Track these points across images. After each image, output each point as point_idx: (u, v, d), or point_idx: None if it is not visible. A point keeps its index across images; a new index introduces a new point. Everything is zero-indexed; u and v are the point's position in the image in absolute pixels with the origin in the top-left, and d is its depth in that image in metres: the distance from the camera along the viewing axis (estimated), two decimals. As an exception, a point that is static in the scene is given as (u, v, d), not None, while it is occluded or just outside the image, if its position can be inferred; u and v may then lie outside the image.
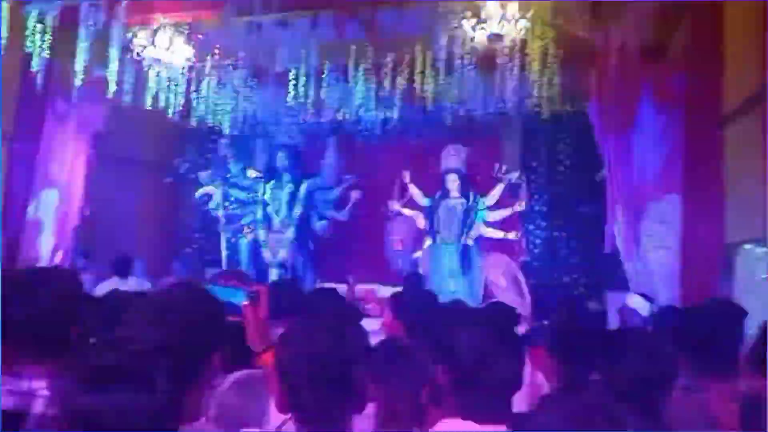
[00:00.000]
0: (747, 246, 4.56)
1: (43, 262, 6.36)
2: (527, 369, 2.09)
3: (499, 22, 4.79)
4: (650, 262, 5.29)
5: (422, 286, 5.29)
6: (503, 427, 1.37)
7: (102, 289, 4.78)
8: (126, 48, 5.91)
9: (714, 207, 4.87)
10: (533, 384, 2.15)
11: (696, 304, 2.87)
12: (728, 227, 4.76)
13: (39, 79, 5.81)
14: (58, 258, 6.61)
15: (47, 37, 5.48)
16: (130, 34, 5.84)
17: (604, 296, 6.28)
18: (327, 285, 7.52)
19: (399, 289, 4.17)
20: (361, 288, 7.49)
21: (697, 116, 5.11)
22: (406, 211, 7.63)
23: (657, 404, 1.45)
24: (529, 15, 4.62)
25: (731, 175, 4.71)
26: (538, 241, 7.56)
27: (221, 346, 1.29)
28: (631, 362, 1.43)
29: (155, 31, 5.77)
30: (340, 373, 1.25)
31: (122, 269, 5.56)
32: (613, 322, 4.36)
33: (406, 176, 7.62)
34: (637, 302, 4.19)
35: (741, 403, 1.49)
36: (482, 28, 4.84)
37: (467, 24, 4.90)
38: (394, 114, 6.90)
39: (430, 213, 7.47)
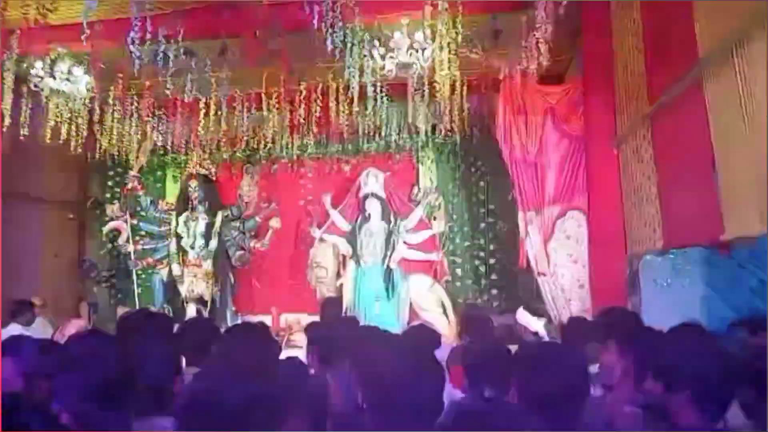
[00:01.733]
0: (648, 256, 4.85)
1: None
2: (447, 388, 2.12)
3: (407, 51, 4.92)
4: (560, 276, 5.53)
5: (340, 310, 5.26)
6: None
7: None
8: (23, 79, 5.59)
9: (615, 221, 5.17)
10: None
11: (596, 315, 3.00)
12: (630, 240, 5.06)
13: None
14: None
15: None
16: (25, 65, 5.53)
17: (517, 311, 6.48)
18: (249, 317, 7.39)
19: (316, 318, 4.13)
20: (285, 318, 7.38)
21: (594, 136, 5.44)
22: (328, 237, 7.60)
23: (567, 413, 1.48)
24: (434, 44, 4.78)
25: (628, 192, 5.02)
26: (458, 261, 7.72)
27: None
28: (537, 376, 1.47)
29: (53, 61, 5.50)
30: (257, 406, 1.21)
31: (22, 314, 5.14)
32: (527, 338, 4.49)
33: (327, 201, 7.61)
34: (522, 317, 4.34)
35: (641, 407, 1.57)
36: (391, 57, 4.95)
37: (377, 53, 5.00)
38: (311, 140, 6.90)
39: (352, 238, 7.48)
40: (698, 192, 3.60)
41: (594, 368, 1.97)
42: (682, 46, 3.67)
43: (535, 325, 4.32)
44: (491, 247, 7.61)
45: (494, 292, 7.53)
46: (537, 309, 4.68)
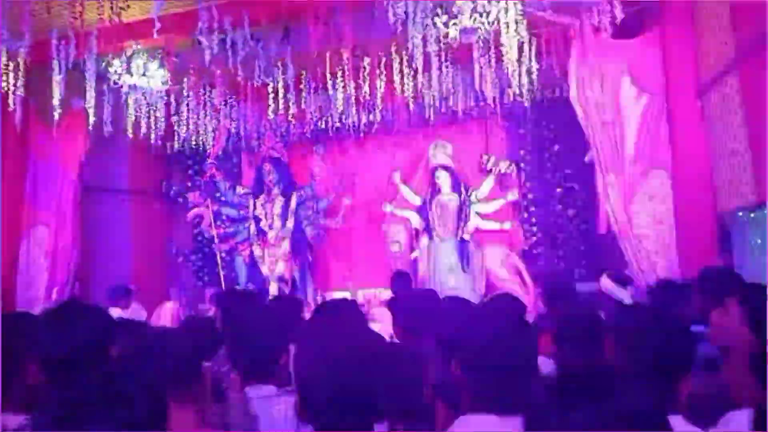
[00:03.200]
0: (740, 213, 4.58)
1: (40, 301, 6.32)
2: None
3: (471, 16, 4.80)
4: (645, 239, 5.31)
5: (410, 283, 5.29)
6: (518, 417, 1.37)
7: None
8: (102, 77, 5.88)
9: (702, 178, 4.90)
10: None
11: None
12: (719, 196, 4.79)
13: (17, 118, 5.77)
14: (55, 295, 6.55)
15: (21, 74, 5.43)
16: (104, 63, 5.81)
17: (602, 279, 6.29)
18: (328, 294, 7.58)
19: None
20: (363, 293, 7.51)
21: (676, 91, 5.15)
22: (400, 212, 7.63)
23: (669, 385, 1.43)
24: (499, 6, 4.63)
25: (716, 144, 4.74)
26: (534, 229, 7.56)
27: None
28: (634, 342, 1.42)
29: (129, 58, 5.75)
30: (356, 382, 1.23)
31: (120, 299, 5.51)
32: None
33: (396, 177, 7.63)
34: (606, 285, 4.18)
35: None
36: (454, 24, 4.84)
37: (439, 21, 4.90)
38: (377, 116, 6.90)
39: (423, 212, 7.47)
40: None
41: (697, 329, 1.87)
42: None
43: (620, 293, 4.17)
44: (569, 212, 7.39)
45: (574, 259, 7.34)
46: (621, 276, 4.51)
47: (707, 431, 1.38)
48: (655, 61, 5.30)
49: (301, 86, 6.48)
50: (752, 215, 4.46)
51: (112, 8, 4.95)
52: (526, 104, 6.57)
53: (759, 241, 4.47)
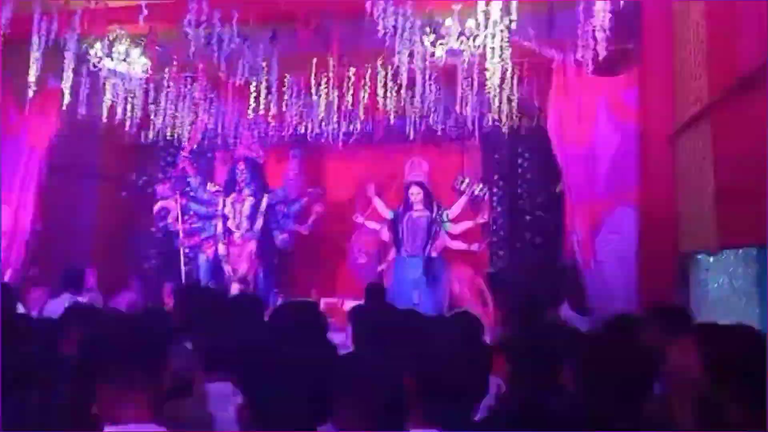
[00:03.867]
0: (699, 255, 4.70)
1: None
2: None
3: (458, 38, 4.87)
4: (607, 272, 5.41)
5: (384, 297, 5.28)
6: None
7: (53, 306, 4.61)
8: (81, 59, 5.78)
9: (667, 218, 5.02)
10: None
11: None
12: (681, 237, 4.91)
13: (-11, 91, 5.63)
14: (8, 276, 6.36)
15: (-3, 47, 5.30)
16: (85, 45, 5.71)
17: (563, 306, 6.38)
18: (290, 300, 7.51)
19: (360, 302, 4.16)
20: (325, 302, 7.46)
21: (649, 130, 5.28)
22: (370, 224, 7.63)
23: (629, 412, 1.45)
24: (486, 32, 4.71)
25: (682, 187, 4.86)
26: (501, 253, 7.64)
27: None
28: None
29: (112, 42, 5.66)
30: (306, 385, 1.22)
31: (73, 283, 5.32)
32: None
33: (370, 189, 7.64)
34: (567, 313, 4.26)
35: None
36: (441, 44, 4.91)
37: (427, 40, 4.96)
38: (357, 127, 6.92)
39: (394, 225, 7.49)
40: (757, 190, 3.45)
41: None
42: (748, 39, 3.52)
43: (579, 322, 4.23)
44: (536, 240, 7.50)
45: (537, 285, 7.42)
46: (582, 305, 4.58)
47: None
48: (632, 101, 5.44)
49: (284, 89, 6.46)
50: (711, 259, 4.59)
51: (99, -10, 4.89)
52: (504, 130, 6.68)
53: (716, 285, 4.59)
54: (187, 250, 7.87)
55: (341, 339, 2.93)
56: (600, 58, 4.85)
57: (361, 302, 4.79)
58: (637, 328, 2.38)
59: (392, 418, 1.44)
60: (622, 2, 4.15)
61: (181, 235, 7.72)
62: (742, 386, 1.43)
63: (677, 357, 1.55)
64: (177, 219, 7.71)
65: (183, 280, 7.42)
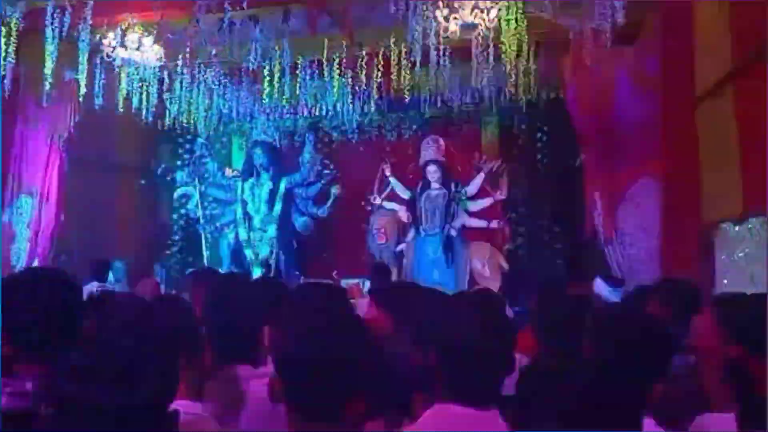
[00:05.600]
0: (724, 224, 4.62)
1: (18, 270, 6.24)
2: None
3: (472, 11, 4.78)
4: (629, 245, 5.35)
5: (389, 276, 5.30)
6: (495, 410, 1.37)
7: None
8: (95, 50, 5.80)
9: (690, 188, 4.93)
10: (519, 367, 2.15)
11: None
12: (705, 207, 4.83)
13: (6, 85, 5.68)
14: (35, 265, 6.48)
15: (12, 41, 5.34)
16: (98, 36, 5.73)
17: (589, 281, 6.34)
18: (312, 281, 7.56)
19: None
20: (346, 283, 7.50)
21: (671, 99, 5.17)
22: (388, 204, 7.62)
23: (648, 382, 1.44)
24: (500, 4, 4.62)
25: (705, 156, 4.77)
26: (521, 229, 7.59)
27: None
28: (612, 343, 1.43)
29: (124, 32, 5.67)
30: (332, 362, 1.22)
31: (100, 273, 5.47)
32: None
33: (387, 169, 7.61)
34: (599, 287, 4.21)
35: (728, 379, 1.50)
36: (455, 18, 4.83)
37: (440, 14, 4.88)
38: (372, 107, 6.88)
39: (412, 205, 7.47)
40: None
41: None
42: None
43: (612, 295, 4.20)
44: (556, 215, 7.43)
45: (559, 261, 7.38)
46: (614, 278, 4.54)
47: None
48: (652, 70, 5.31)
49: (298, 72, 6.43)
50: (736, 228, 4.50)
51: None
52: (522, 104, 6.59)
53: (741, 254, 4.51)
54: (208, 236, 7.95)
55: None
56: (618, 26, 4.73)
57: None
58: (653, 301, 2.36)
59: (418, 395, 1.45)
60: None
61: (201, 221, 7.79)
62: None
63: (698, 328, 1.54)
64: (197, 205, 7.78)
65: (205, 266, 7.49)
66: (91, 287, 4.85)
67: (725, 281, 4.39)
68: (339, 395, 1.14)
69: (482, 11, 4.81)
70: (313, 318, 1.29)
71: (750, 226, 4.34)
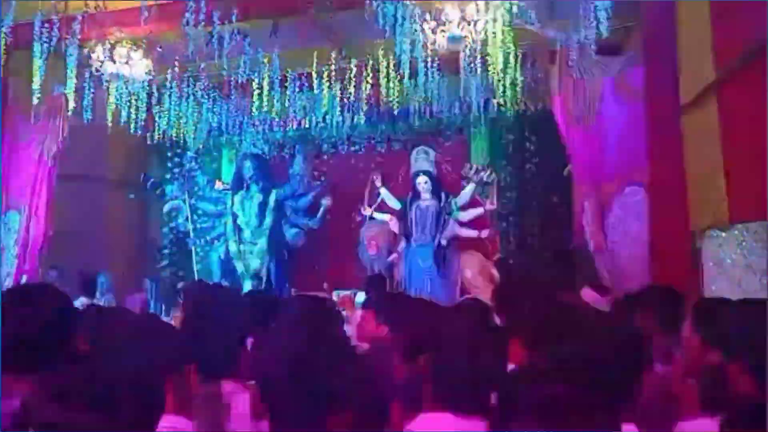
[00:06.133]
0: (711, 231, 4.67)
1: (7, 287, 6.19)
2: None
3: (459, 24, 4.83)
4: (618, 253, 5.39)
5: (384, 286, 5.31)
6: (481, 419, 1.38)
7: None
8: (84, 64, 5.80)
9: (677, 196, 4.98)
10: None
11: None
12: (692, 214, 4.87)
13: (-6, 100, 5.67)
14: (23, 281, 6.43)
15: (0, 55, 5.33)
16: (87, 50, 5.73)
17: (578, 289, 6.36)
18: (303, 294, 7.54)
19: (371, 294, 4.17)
20: (338, 294, 7.49)
21: (656, 109, 5.23)
22: (379, 215, 7.64)
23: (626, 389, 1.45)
24: (488, 16, 4.67)
25: (691, 164, 4.82)
26: (511, 238, 7.62)
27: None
28: (598, 348, 1.44)
29: (113, 46, 5.68)
30: (319, 375, 1.22)
31: (87, 288, 5.43)
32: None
33: (377, 180, 7.64)
34: (588, 295, 4.23)
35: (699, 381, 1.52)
36: (442, 31, 4.88)
37: (427, 27, 4.93)
38: (361, 119, 6.91)
39: (402, 215, 7.49)
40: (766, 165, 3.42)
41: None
42: (752, 9, 3.47)
43: (601, 303, 4.22)
44: (546, 224, 7.47)
45: (549, 269, 7.40)
46: (602, 286, 4.56)
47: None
48: (636, 79, 5.38)
49: (287, 84, 6.46)
50: (723, 234, 4.55)
51: (98, -6, 4.90)
52: (510, 114, 6.65)
53: (729, 261, 4.55)
54: (198, 250, 7.92)
55: (352, 331, 2.95)
56: (603, 37, 4.79)
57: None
58: (639, 309, 2.38)
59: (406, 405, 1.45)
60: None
61: (191, 234, 7.77)
62: (748, 359, 1.42)
63: (681, 335, 1.55)
64: (187, 219, 7.76)
65: (197, 279, 7.46)
66: (79, 303, 4.81)
67: (713, 288, 4.42)
68: (320, 408, 1.14)
69: (469, 23, 4.86)
70: (293, 331, 1.30)
71: (737, 232, 4.39)
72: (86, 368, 1.01)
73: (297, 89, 6.56)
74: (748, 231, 4.29)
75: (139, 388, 0.96)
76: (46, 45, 5.28)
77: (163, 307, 6.55)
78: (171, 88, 6.40)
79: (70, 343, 1.46)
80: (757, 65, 3.50)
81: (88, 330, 1.46)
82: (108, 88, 6.08)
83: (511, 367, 2.21)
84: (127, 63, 5.74)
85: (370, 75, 6.12)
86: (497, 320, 2.91)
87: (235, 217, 7.68)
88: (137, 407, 0.95)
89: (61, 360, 1.38)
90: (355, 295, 7.05)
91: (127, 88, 6.11)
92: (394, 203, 7.59)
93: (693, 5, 4.55)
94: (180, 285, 7.07)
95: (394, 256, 7.50)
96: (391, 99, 6.17)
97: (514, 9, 4.44)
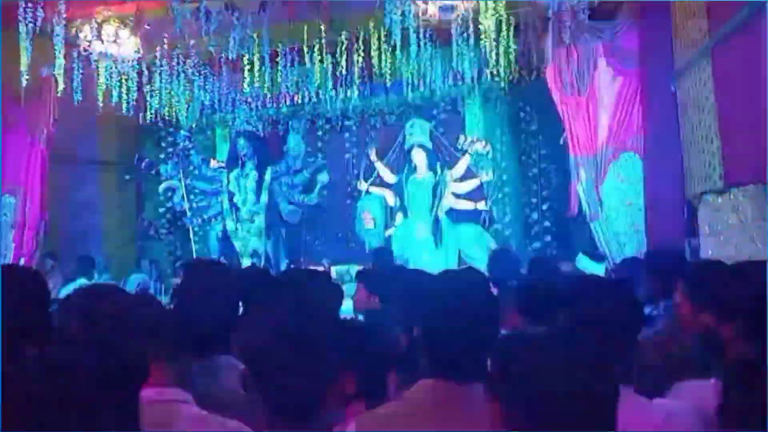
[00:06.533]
0: (707, 197, 4.67)
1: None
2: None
3: (450, -8, 4.77)
4: (614, 220, 5.41)
5: (392, 259, 5.31)
6: (479, 384, 1.39)
7: (68, 291, 4.68)
8: (72, 44, 5.72)
9: (672, 162, 4.98)
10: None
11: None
12: (687, 180, 4.88)
13: (-18, 84, 5.60)
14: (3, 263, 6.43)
15: (-15, 38, 5.25)
16: (74, 30, 5.65)
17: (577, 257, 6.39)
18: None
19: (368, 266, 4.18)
20: (336, 269, 7.52)
21: (650, 74, 5.20)
22: (375, 189, 7.63)
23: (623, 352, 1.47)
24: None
25: (687, 129, 4.81)
26: (507, 209, 7.62)
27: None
28: (594, 312, 1.45)
29: (100, 25, 5.59)
30: (314, 348, 1.23)
31: (86, 269, 5.44)
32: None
33: (372, 154, 7.61)
34: (583, 262, 4.26)
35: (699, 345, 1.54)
36: (433, 0, 4.81)
37: (418, -4, 4.87)
38: (354, 93, 6.85)
39: (398, 189, 7.48)
40: (761, 127, 3.41)
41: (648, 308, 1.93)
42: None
43: (597, 270, 4.25)
44: (542, 193, 7.46)
45: (547, 239, 7.43)
46: (596, 253, 4.59)
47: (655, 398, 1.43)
48: (630, 45, 5.34)
49: (278, 59, 6.38)
50: (719, 200, 4.55)
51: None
52: (503, 84, 6.59)
53: (725, 225, 4.56)
54: (196, 229, 7.92)
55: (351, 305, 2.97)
56: (596, 2, 4.74)
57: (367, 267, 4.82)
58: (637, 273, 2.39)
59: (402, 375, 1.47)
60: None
61: (188, 213, 7.76)
62: (745, 321, 1.44)
63: (675, 298, 1.57)
64: (183, 198, 7.74)
65: (195, 257, 7.47)
66: (78, 284, 4.82)
67: (710, 252, 4.45)
68: (314, 381, 1.15)
69: (460, -8, 4.80)
70: (291, 304, 1.31)
71: (732, 196, 4.40)
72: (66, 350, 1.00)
73: (288, 64, 6.48)
74: (744, 194, 4.30)
75: (123, 367, 0.97)
76: (31, 25, 5.20)
77: (163, 287, 6.56)
78: (161, 66, 6.32)
79: (48, 325, 1.46)
80: (749, 29, 3.47)
81: (79, 310, 1.46)
82: (97, 67, 6.00)
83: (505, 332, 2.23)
84: (115, 42, 5.66)
85: (362, 47, 6.05)
86: (493, 290, 2.94)
87: (231, 195, 7.65)
88: (118, 383, 0.95)
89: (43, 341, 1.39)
90: (350, 269, 7.09)
91: (116, 68, 6.03)
92: (390, 177, 7.58)
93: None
94: (178, 263, 7.08)
95: (391, 229, 7.51)
96: (383, 71, 6.11)
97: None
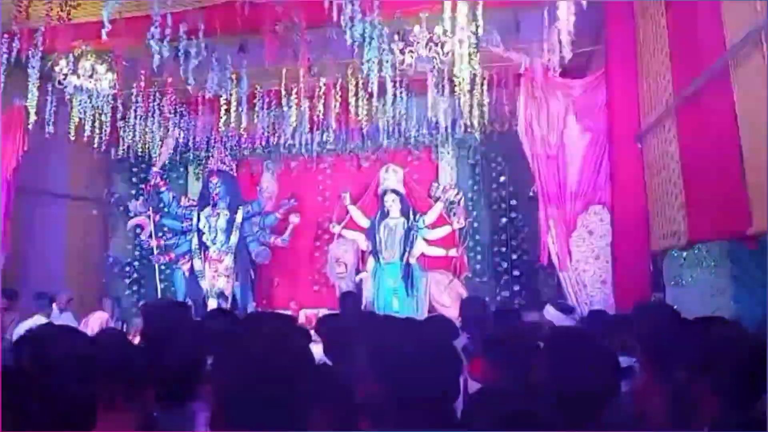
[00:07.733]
0: (672, 251, 4.77)
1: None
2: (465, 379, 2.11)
3: (426, 45, 4.89)
4: (583, 272, 5.47)
5: (359, 304, 5.25)
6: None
7: (23, 329, 4.50)
8: (47, 77, 5.68)
9: (639, 216, 5.09)
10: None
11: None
12: (653, 235, 4.98)
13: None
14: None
15: (-42, 67, 5.19)
16: (50, 63, 5.62)
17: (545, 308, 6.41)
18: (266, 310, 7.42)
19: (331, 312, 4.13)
20: (305, 313, 7.40)
21: (617, 130, 5.36)
22: (347, 233, 7.61)
23: (596, 407, 1.46)
24: (454, 38, 4.73)
25: (652, 185, 4.94)
26: (478, 257, 7.67)
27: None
28: (564, 367, 1.44)
29: (77, 59, 5.57)
30: (279, 390, 1.19)
31: (43, 306, 5.24)
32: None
33: (345, 198, 7.63)
34: (551, 313, 4.27)
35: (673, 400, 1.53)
36: (410, 52, 4.93)
37: (396, 47, 4.98)
38: (330, 137, 6.91)
39: (371, 234, 7.48)
40: (725, 185, 3.52)
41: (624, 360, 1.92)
42: (709, 34, 3.60)
43: (564, 321, 4.25)
44: (512, 243, 7.54)
45: (516, 288, 7.47)
46: (565, 305, 4.61)
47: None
48: (599, 102, 5.52)
49: (255, 101, 6.42)
50: (684, 254, 4.65)
51: (61, 7, 4.81)
52: (477, 135, 6.73)
53: (690, 279, 4.65)
54: (163, 267, 7.76)
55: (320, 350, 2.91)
56: (566, 60, 4.91)
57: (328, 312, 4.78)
58: (611, 326, 2.40)
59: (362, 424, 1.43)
60: (585, 3, 4.19)
61: (155, 251, 7.61)
62: (720, 378, 1.44)
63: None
64: (151, 235, 7.60)
65: (159, 297, 7.29)
66: (33, 322, 4.64)
67: (675, 307, 4.50)
68: (281, 422, 1.11)
69: (436, 45, 4.92)
70: (257, 346, 1.27)
71: (696, 251, 4.50)
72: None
73: (265, 106, 6.53)
74: (708, 251, 4.40)
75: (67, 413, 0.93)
76: (6, 56, 5.16)
77: (125, 326, 6.36)
78: (137, 102, 6.30)
79: None
80: (713, 89, 3.61)
81: (30, 353, 1.40)
82: (71, 101, 5.95)
83: (474, 383, 2.21)
84: (91, 76, 5.63)
85: (339, 93, 6.14)
86: (463, 338, 2.93)
87: (200, 234, 7.54)
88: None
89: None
90: (319, 313, 6.98)
91: (91, 102, 5.99)
92: (363, 221, 7.58)
93: (653, 31, 4.70)
94: (141, 303, 6.89)
95: (362, 274, 7.47)
96: (360, 117, 6.19)
97: (480, 31, 4.50)
